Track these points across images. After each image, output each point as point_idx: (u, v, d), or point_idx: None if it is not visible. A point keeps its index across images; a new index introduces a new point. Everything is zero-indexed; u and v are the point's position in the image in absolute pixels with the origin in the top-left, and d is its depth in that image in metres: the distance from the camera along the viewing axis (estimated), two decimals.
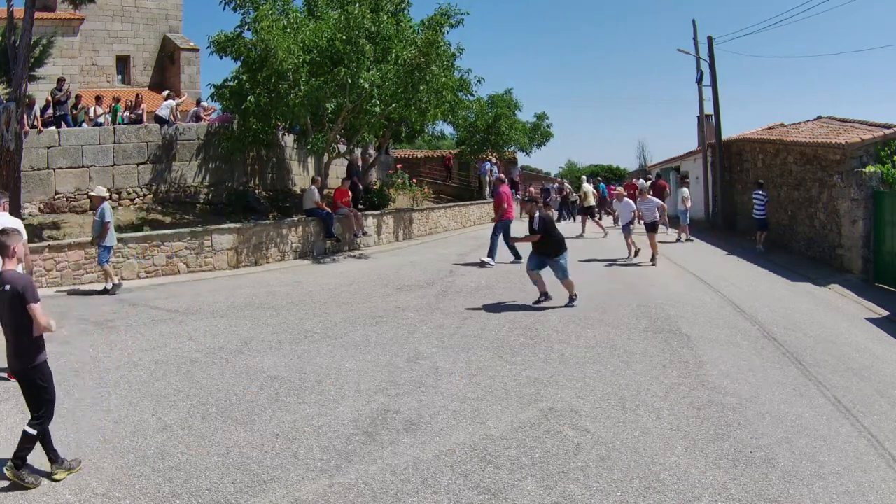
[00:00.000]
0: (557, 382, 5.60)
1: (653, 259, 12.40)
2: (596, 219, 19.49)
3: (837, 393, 5.76)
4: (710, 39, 20.86)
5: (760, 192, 15.57)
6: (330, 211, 14.06)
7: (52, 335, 7.12)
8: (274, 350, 6.54)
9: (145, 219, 12.93)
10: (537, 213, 8.45)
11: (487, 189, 25.58)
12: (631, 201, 13.81)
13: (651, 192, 19.76)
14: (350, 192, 15.17)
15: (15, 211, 10.86)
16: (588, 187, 19.77)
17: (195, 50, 25.79)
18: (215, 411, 4.92)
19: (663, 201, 19.48)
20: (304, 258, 13.45)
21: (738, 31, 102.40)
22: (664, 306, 8.59)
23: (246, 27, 13.56)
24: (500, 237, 12.31)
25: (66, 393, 5.30)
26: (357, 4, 13.07)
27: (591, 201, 19.36)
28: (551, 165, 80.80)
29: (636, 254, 12.93)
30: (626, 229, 13.29)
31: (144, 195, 13.80)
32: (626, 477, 3.97)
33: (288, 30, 12.94)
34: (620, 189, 15.47)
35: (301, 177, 18.01)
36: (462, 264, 12.43)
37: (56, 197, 12.72)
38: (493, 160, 26.51)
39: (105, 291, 9.56)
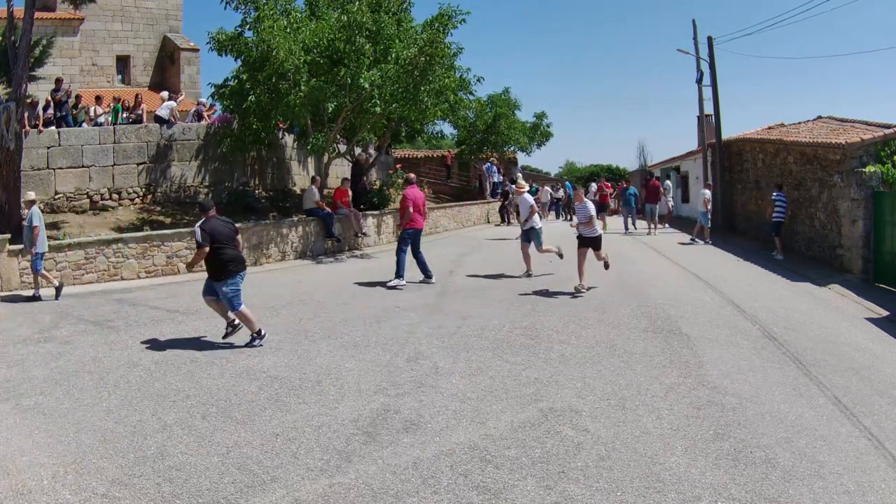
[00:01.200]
0: (557, 382, 5.60)
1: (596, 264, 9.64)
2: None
3: (837, 393, 5.76)
4: (710, 39, 20.86)
5: (780, 193, 14.77)
6: (330, 211, 14.07)
7: (52, 335, 7.15)
8: (274, 350, 6.54)
9: (145, 219, 12.94)
10: (198, 224, 6.65)
11: (488, 189, 25.58)
12: (530, 197, 10.89)
13: (614, 194, 19.41)
14: (350, 192, 15.16)
15: (15, 211, 10.88)
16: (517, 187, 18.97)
17: (195, 50, 25.79)
18: (215, 411, 4.91)
19: (656, 203, 19.32)
20: (304, 258, 13.45)
21: (738, 31, 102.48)
22: (664, 306, 8.59)
23: (247, 27, 13.57)
24: (408, 251, 10.22)
25: (65, 393, 5.31)
26: (357, 4, 13.06)
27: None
28: (551, 165, 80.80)
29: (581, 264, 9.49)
30: (525, 236, 10.67)
31: (144, 195, 13.80)
32: (626, 477, 3.97)
33: (289, 30, 12.95)
34: (521, 182, 11.92)
35: (301, 177, 18.00)
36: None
37: (56, 197, 12.73)
38: (494, 160, 26.50)
39: (35, 298, 9.07)
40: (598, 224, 9.66)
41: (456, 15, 13.78)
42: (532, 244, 10.70)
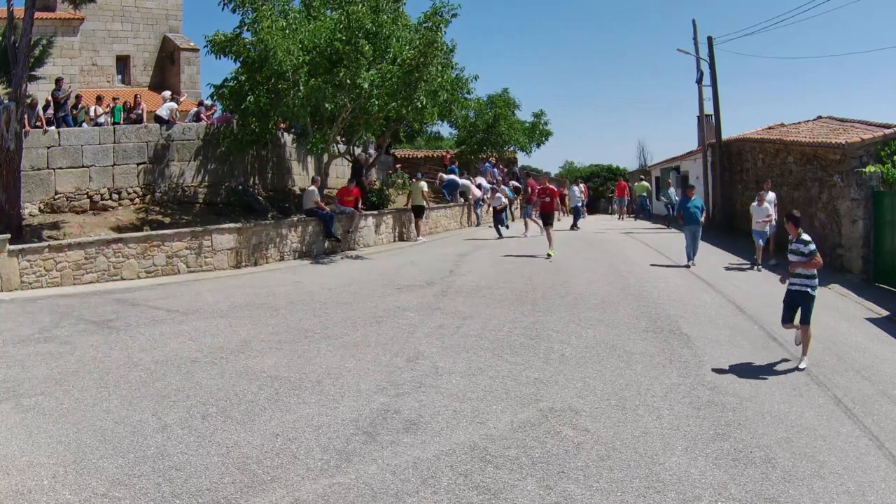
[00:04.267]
0: (557, 382, 5.60)
1: None
2: (422, 219, 17.18)
3: (838, 392, 5.76)
4: (710, 39, 20.86)
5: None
6: (329, 211, 14.06)
7: (53, 335, 7.14)
8: (274, 350, 6.54)
9: (145, 219, 12.93)
10: None
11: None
12: None
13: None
14: (357, 192, 15.14)
15: (15, 211, 10.88)
16: (418, 185, 17.20)
17: (195, 50, 25.76)
18: (215, 411, 4.91)
19: (552, 207, 14.29)
20: (304, 258, 13.44)
21: (737, 31, 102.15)
22: (664, 306, 8.59)
23: (245, 28, 13.57)
24: None
25: (65, 393, 5.31)
26: (359, 5, 13.07)
27: (419, 201, 17.00)
28: (551, 166, 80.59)
29: None
30: None
31: (144, 195, 13.79)
32: (626, 477, 3.97)
33: (287, 31, 12.95)
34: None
35: (301, 177, 17.99)
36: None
37: (56, 197, 12.72)
38: (493, 161, 26.48)
39: None
40: None
41: (448, 10, 13.79)
42: None
